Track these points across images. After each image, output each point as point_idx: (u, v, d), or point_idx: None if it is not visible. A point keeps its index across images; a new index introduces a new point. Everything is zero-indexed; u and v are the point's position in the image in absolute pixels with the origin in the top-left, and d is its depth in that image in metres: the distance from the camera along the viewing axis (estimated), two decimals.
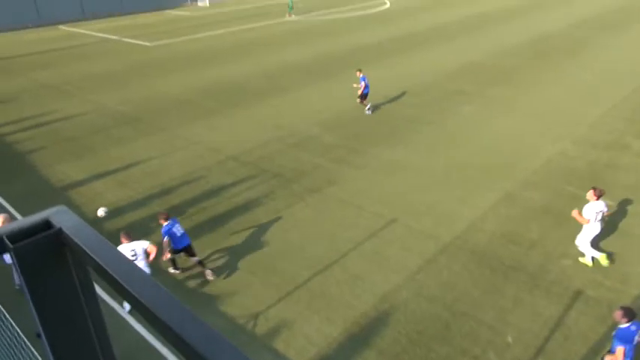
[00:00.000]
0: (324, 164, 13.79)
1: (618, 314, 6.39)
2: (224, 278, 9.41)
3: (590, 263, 9.26)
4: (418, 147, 14.64)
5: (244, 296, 8.89)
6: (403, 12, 40.77)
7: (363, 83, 17.00)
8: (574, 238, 9.92)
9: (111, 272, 0.83)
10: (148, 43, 32.51)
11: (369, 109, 17.39)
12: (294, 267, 9.57)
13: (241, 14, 43.99)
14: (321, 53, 26.93)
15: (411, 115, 17.15)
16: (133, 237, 8.82)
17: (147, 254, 8.72)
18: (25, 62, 28.83)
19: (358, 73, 17.37)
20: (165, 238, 9.11)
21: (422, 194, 11.96)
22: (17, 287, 9.01)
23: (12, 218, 10.73)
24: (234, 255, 10.06)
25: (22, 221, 1.04)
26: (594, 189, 9.01)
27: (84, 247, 0.91)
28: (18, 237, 1.00)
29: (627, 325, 6.31)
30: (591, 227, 9.00)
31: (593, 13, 35.87)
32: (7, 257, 1.01)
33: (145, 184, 13.19)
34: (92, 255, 0.88)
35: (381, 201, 11.75)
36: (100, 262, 0.86)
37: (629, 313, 6.34)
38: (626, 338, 6.24)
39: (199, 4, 52.10)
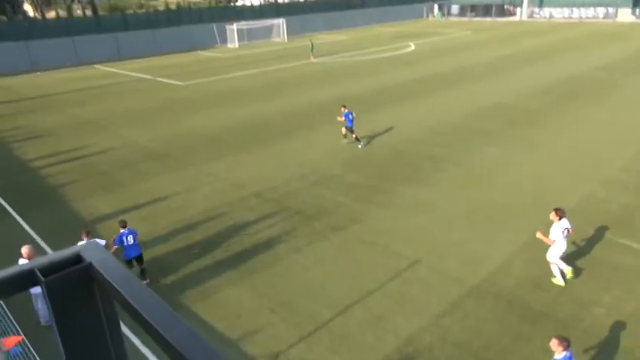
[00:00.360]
0: (347, 202, 13.78)
1: (555, 343, 6.40)
2: (245, 316, 9.33)
3: (561, 283, 9.65)
4: (443, 186, 14.53)
5: (265, 335, 8.78)
6: (428, 54, 41.38)
7: (343, 118, 17.96)
8: (607, 285, 9.60)
9: (137, 308, 0.85)
10: (179, 83, 33.67)
11: (357, 139, 18.24)
12: (315, 306, 9.44)
13: (269, 55, 45.34)
14: (346, 93, 27.35)
15: (435, 155, 17.12)
16: (92, 235, 10.15)
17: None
18: (63, 99, 30.15)
19: (343, 108, 18.19)
20: (115, 246, 9.98)
21: (446, 235, 11.78)
22: (42, 321, 9.09)
23: (36, 249, 10.97)
24: (255, 292, 10.00)
25: (54, 255, 1.07)
26: (556, 210, 9.60)
27: (112, 283, 0.93)
28: (49, 270, 1.03)
29: (563, 354, 6.42)
30: (558, 245, 9.58)
31: (615, 57, 35.75)
32: (35, 288, 1.05)
33: (169, 218, 13.37)
34: (120, 290, 0.91)
35: (404, 241, 11.60)
36: (127, 298, 0.88)
37: (565, 341, 6.35)
38: None
39: (229, 45, 54.01)
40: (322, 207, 13.57)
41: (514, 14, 75.71)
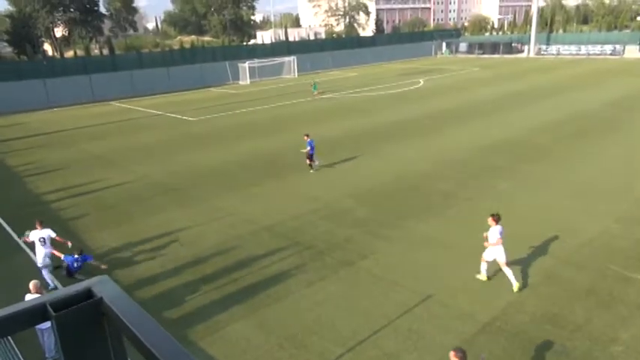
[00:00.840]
0: (358, 237, 13.70)
1: (451, 354, 6.79)
2: (252, 352, 9.17)
3: (484, 278, 11.03)
4: (453, 222, 14.42)
5: None
6: (437, 90, 41.87)
7: (309, 147, 19.35)
8: (623, 321, 9.35)
9: (146, 343, 0.86)
10: (191, 118, 34.27)
11: (316, 166, 19.96)
12: (324, 343, 9.26)
13: (279, 92, 46.16)
14: (354, 129, 27.64)
15: (445, 190, 17.07)
16: (45, 226, 11.91)
17: (52, 241, 11.67)
18: (78, 135, 30.77)
19: (305, 137, 19.59)
20: (63, 261, 11.88)
21: (457, 270, 11.61)
22: (47, 356, 9.01)
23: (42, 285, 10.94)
24: (264, 328, 9.86)
25: (65, 290, 1.09)
26: (492, 216, 10.79)
27: (122, 318, 0.94)
28: (60, 305, 1.04)
29: None
30: (499, 248, 10.68)
31: (624, 92, 35.94)
32: (44, 324, 1.06)
33: (179, 253, 13.36)
34: (129, 326, 0.92)
35: (415, 276, 11.45)
36: (137, 333, 0.89)
37: (461, 352, 6.79)
38: None
39: (241, 82, 55.15)
40: (333, 242, 13.49)
41: (522, 51, 76.81)
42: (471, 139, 23.99)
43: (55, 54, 72.29)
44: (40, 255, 11.50)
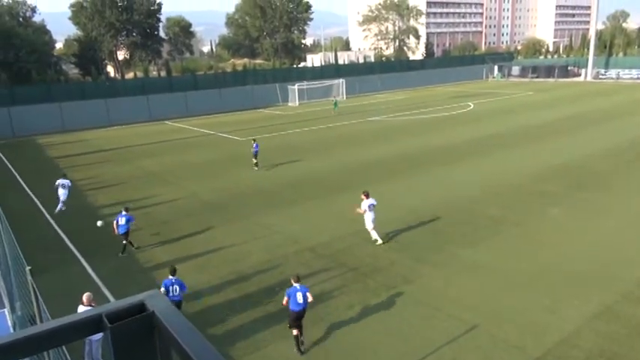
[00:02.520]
0: (402, 261, 13.47)
1: (293, 279, 9.64)
2: None
3: (381, 241, 14.38)
4: (501, 248, 13.94)
5: None
6: (488, 114, 41.06)
7: (257, 149, 24.63)
8: None
9: (195, 359, 0.89)
10: (239, 138, 35.15)
11: (256, 164, 24.73)
12: None
13: (327, 113, 46.63)
14: (401, 151, 27.45)
15: (494, 215, 16.57)
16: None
17: (69, 188, 19.14)
18: (135, 152, 32.21)
19: (253, 141, 25.18)
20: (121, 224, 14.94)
21: (505, 299, 11.16)
22: None
23: (95, 297, 11.35)
24: (305, 349, 9.80)
25: (119, 302, 1.15)
26: (364, 192, 14.62)
27: (172, 332, 0.98)
28: (115, 317, 1.10)
29: (293, 285, 9.53)
30: (367, 216, 14.35)
31: None
32: (96, 335, 1.12)
33: (224, 269, 13.59)
34: (179, 340, 0.96)
35: (460, 304, 11.09)
36: (186, 348, 0.93)
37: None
38: (290, 294, 9.46)
39: (290, 104, 56.18)
40: (376, 265, 13.34)
41: (578, 75, 74.20)
42: (523, 164, 23.26)
43: (117, 75, 76.41)
44: (62, 194, 18.90)
